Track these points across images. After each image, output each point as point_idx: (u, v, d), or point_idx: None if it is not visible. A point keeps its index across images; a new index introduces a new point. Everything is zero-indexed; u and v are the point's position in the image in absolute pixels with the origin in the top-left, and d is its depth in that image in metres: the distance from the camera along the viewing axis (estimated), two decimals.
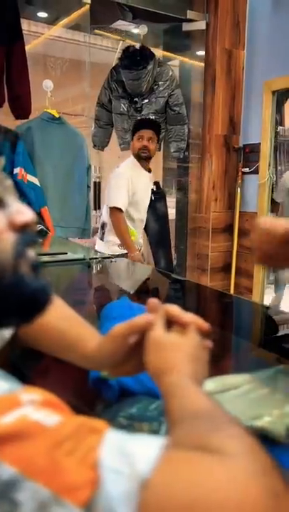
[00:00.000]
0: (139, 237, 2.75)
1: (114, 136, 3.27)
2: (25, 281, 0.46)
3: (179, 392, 0.48)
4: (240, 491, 0.30)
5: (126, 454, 0.31)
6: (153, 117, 3.26)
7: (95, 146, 3.25)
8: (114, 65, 3.13)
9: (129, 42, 3.30)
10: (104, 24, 3.35)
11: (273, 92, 2.82)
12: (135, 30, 3.19)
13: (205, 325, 0.59)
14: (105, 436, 0.33)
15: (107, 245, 2.59)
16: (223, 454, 0.33)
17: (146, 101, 3.09)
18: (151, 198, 2.79)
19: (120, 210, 2.49)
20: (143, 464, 0.31)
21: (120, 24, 3.31)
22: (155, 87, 3.06)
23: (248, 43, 3.01)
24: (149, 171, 2.71)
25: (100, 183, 3.29)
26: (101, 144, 3.26)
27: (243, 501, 0.29)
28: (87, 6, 2.74)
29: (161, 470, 0.31)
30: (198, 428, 0.39)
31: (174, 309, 0.61)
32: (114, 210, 2.50)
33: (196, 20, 3.00)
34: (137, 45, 2.94)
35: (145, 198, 2.70)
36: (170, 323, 0.61)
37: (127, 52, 2.95)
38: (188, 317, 0.60)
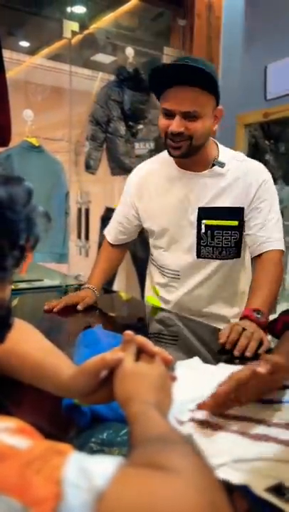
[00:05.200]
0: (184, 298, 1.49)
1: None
2: None
3: (142, 420, 0.53)
4: (183, 502, 0.35)
5: (85, 471, 0.36)
6: (146, 146, 2.90)
7: (88, 168, 2.95)
8: (95, 88, 3.08)
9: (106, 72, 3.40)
10: (84, 56, 3.46)
11: (245, 126, 2.95)
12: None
13: (169, 357, 0.66)
14: (69, 457, 0.38)
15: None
16: (171, 470, 0.38)
17: (141, 126, 2.95)
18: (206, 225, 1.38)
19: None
20: (99, 479, 0.36)
21: (100, 57, 3.42)
22: (148, 114, 2.94)
23: (221, 79, 3.15)
24: (212, 164, 1.38)
25: (87, 209, 3.01)
26: (95, 167, 2.96)
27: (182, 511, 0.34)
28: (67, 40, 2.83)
29: (114, 484, 0.36)
30: (151, 448, 0.45)
31: (144, 340, 0.67)
32: None
33: (173, 56, 3.14)
34: (130, 68, 2.90)
35: (180, 229, 1.42)
36: (139, 352, 0.67)
37: (125, 72, 2.86)
38: (156, 349, 0.66)
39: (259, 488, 0.56)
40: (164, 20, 3.37)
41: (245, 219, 1.39)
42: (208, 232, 1.38)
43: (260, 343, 1.10)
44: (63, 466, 0.37)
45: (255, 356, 1.05)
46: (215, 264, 1.43)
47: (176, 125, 1.26)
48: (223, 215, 1.38)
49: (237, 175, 1.38)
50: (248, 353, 1.06)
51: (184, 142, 1.29)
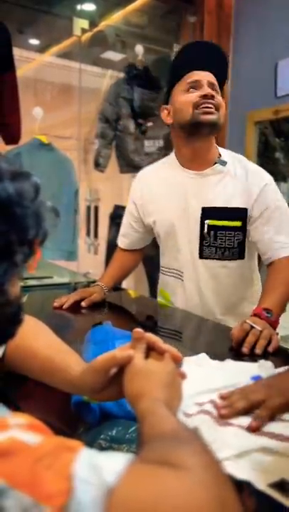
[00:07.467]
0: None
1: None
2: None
3: (151, 417, 0.53)
4: (191, 499, 0.35)
5: (95, 468, 0.36)
6: (156, 143, 2.90)
7: (97, 166, 2.98)
8: (104, 86, 3.10)
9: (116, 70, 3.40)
10: (94, 53, 3.46)
11: (256, 123, 2.93)
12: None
13: (179, 355, 0.66)
14: (80, 453, 0.38)
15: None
16: (180, 467, 0.39)
17: (150, 124, 2.95)
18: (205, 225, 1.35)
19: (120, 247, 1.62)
20: (110, 476, 0.36)
21: (110, 54, 3.42)
22: (158, 112, 2.93)
23: (232, 76, 3.14)
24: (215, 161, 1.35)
25: (96, 207, 3.05)
26: (105, 165, 2.98)
27: (190, 508, 0.35)
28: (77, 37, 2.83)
29: (125, 480, 0.36)
30: (161, 445, 0.45)
31: (154, 338, 0.67)
32: None
33: None
34: (140, 66, 2.91)
35: (184, 227, 1.39)
36: (149, 349, 0.67)
37: (135, 70, 2.87)
38: (165, 346, 0.66)
39: (262, 484, 0.56)
40: (173, 17, 3.36)
41: (252, 226, 1.35)
42: (212, 232, 1.35)
43: (270, 341, 1.09)
44: (74, 462, 0.37)
45: (265, 354, 1.05)
46: (218, 264, 1.39)
47: (208, 89, 1.27)
48: (227, 215, 1.34)
49: (240, 176, 1.35)
50: (257, 351, 1.06)
51: (215, 111, 1.28)
